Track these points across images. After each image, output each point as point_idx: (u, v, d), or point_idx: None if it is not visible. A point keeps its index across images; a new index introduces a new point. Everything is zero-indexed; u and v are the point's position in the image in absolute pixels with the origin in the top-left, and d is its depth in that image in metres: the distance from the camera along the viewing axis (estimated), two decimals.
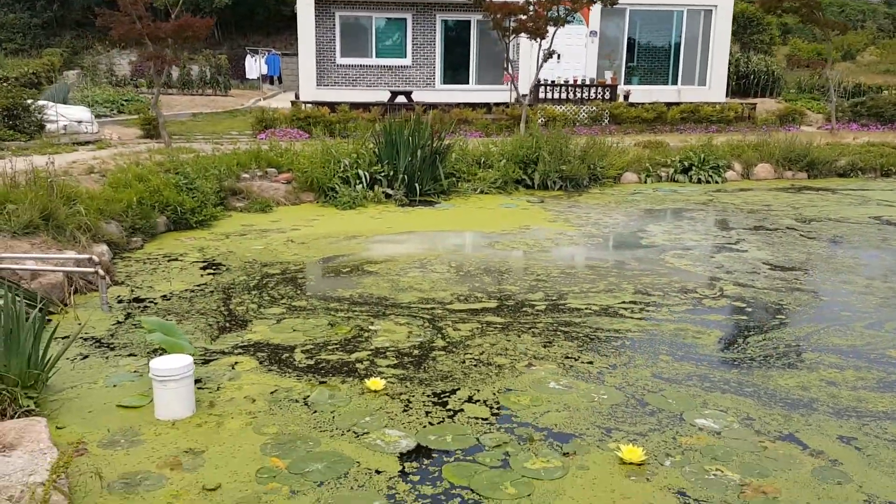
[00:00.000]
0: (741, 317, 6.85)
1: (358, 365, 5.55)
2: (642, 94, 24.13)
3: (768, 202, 13.07)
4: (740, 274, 8.24)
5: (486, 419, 4.70)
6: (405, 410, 4.81)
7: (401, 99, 22.26)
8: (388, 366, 5.55)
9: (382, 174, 13.09)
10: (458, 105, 21.00)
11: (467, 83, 25.87)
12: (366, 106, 20.27)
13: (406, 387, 5.17)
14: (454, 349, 5.86)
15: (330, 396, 5.00)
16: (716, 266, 8.60)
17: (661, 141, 17.27)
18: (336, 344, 6.00)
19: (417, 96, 22.96)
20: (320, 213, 11.75)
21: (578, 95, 22.64)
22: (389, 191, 12.94)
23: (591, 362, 5.66)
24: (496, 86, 25.30)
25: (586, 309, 6.91)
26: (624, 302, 7.15)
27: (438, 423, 4.63)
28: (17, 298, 4.91)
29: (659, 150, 16.56)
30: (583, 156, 14.54)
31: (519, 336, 6.19)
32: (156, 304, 7.06)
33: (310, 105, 20.49)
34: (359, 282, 7.83)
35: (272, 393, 5.08)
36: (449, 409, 4.82)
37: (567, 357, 5.75)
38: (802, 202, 13.09)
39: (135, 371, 5.43)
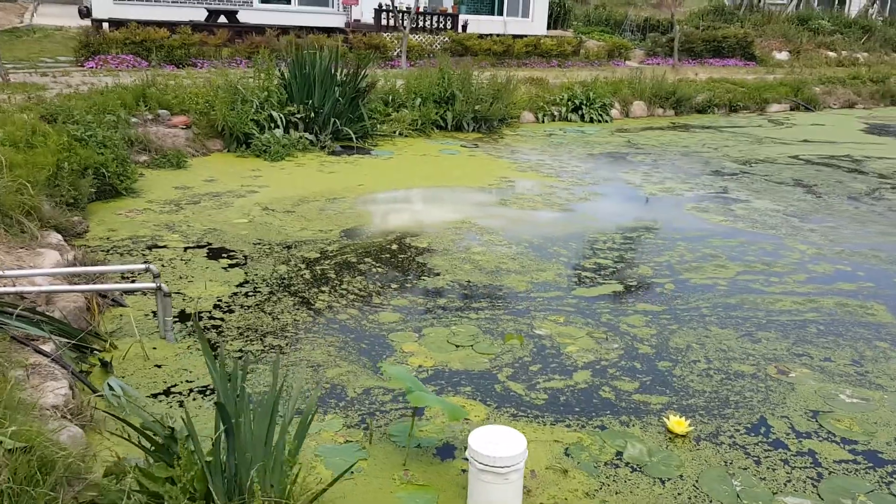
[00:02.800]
0: None
1: (616, 400, 4.39)
2: (473, 24, 23.46)
3: (677, 142, 13.18)
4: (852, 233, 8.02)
5: (847, 461, 3.87)
6: (754, 464, 3.82)
7: (222, 19, 19.30)
8: (645, 393, 4.45)
9: (298, 116, 11.12)
10: (282, 29, 18.60)
11: (289, 2, 23.21)
12: (174, 26, 16.89)
13: (712, 423, 4.14)
14: (678, 358, 4.88)
15: (646, 453, 3.83)
16: (792, 223, 8.29)
17: (542, 78, 16.79)
18: (537, 363, 4.72)
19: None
20: (253, 168, 9.67)
21: (422, 24, 21.32)
22: (308, 135, 11.04)
23: (856, 362, 4.98)
24: (325, 8, 23.04)
25: (767, 290, 6.22)
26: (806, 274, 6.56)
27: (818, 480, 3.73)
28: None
29: (543, 88, 16.08)
30: (495, 95, 13.58)
31: (721, 330, 5.34)
32: (219, 321, 5.13)
33: (108, 24, 16.89)
34: (432, 264, 6.40)
35: (566, 454, 3.78)
36: (808, 458, 3.92)
37: (806, 356, 5.04)
38: (707, 142, 13.38)
39: (347, 442, 3.79)
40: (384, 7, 20.73)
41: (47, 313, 4.41)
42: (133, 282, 5.56)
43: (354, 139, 11.50)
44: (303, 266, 6.24)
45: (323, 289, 5.78)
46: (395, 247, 6.87)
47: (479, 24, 23.99)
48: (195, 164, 9.60)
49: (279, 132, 10.69)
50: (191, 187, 8.55)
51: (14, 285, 4.40)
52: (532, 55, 21.65)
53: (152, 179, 8.58)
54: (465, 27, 22.69)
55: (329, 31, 20.15)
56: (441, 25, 21.66)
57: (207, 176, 9.11)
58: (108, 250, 6.37)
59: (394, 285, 5.91)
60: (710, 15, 31.95)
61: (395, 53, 19.02)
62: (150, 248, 6.51)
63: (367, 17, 22.25)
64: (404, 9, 21.17)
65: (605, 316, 5.47)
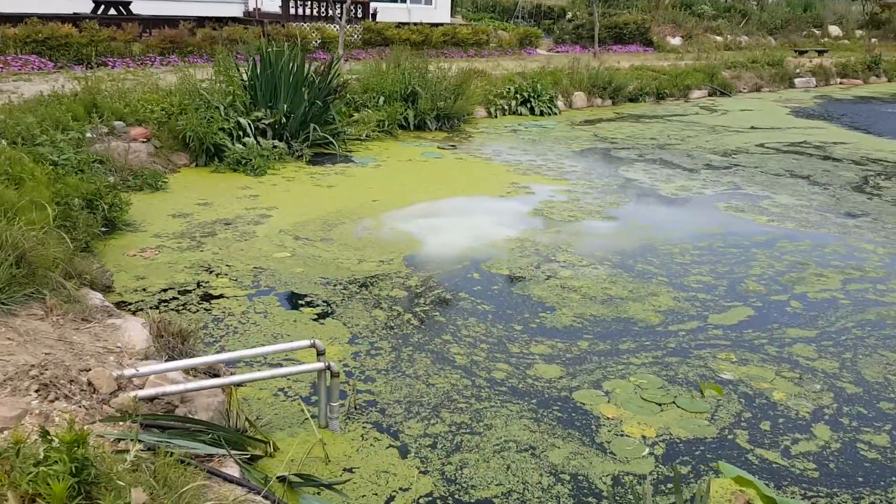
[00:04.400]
0: None
1: (885, 460, 3.88)
2: (381, 13, 22.52)
3: (642, 135, 13.00)
4: None
5: None
6: None
7: (113, 12, 17.32)
8: None
9: (266, 122, 9.94)
10: (181, 20, 16.91)
11: None
12: (59, 20, 14.83)
13: None
14: (891, 395, 4.47)
15: None
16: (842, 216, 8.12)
17: (483, 70, 16.16)
18: (761, 419, 4.15)
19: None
20: (241, 186, 8.47)
21: (332, 13, 20.10)
22: (278, 143, 9.89)
23: None
24: None
25: (889, 300, 5.90)
26: None
27: None
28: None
29: (489, 82, 15.49)
30: (456, 90, 12.84)
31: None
32: (368, 394, 4.19)
33: None
34: (535, 296, 5.68)
35: None
36: None
37: None
38: (668, 133, 13.28)
39: None
40: None
41: (195, 416, 3.35)
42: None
43: (336, 146, 10.41)
44: (400, 309, 5.33)
45: (445, 337, 4.93)
46: (476, 275, 6.07)
47: (386, 12, 23.11)
48: (173, 185, 8.27)
49: (251, 141, 9.47)
50: (189, 214, 7.30)
51: (146, 385, 3.30)
52: (449, 44, 20.98)
53: (139, 207, 7.24)
54: (374, 16, 21.69)
55: (225, 21, 18.54)
56: (353, 14, 20.54)
57: (197, 199, 7.85)
58: (159, 306, 5.17)
59: (516, 326, 5.14)
60: (598, 1, 32.37)
61: (315, 45, 17.77)
62: (205, 299, 5.36)
63: (270, 6, 20.77)
64: None
65: (769, 348, 4.98)
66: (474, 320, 5.22)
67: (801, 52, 26.19)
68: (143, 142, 8.90)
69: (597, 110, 16.02)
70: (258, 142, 9.64)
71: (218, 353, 4.31)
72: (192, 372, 3.80)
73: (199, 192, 8.06)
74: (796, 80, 22.26)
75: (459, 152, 10.91)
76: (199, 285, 5.59)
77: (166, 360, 3.88)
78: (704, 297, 5.77)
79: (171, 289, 5.50)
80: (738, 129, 13.94)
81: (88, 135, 8.27)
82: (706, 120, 15.03)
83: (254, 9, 21.05)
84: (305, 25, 17.95)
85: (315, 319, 5.12)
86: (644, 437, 3.88)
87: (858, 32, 33.95)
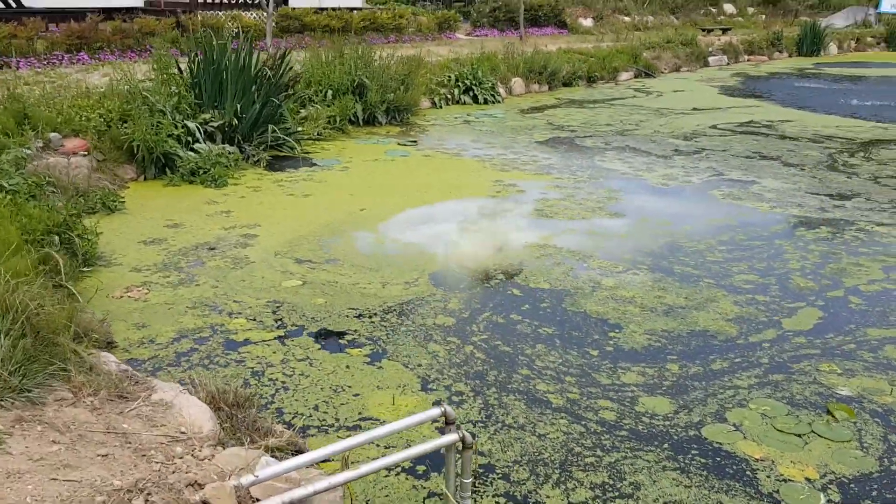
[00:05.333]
0: None
1: None
2: None
3: (595, 121, 12.71)
4: None
5: None
6: None
7: None
8: None
9: (214, 124, 8.97)
10: (86, 13, 15.38)
11: None
12: None
13: None
14: None
15: None
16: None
17: (416, 56, 15.42)
18: None
19: None
20: (207, 201, 7.55)
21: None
22: (229, 147, 8.94)
23: None
24: None
25: None
26: None
27: None
28: None
29: (425, 69, 14.80)
30: (404, 80, 12.12)
31: None
32: (489, 458, 3.54)
33: None
34: (590, 311, 5.16)
35: None
36: None
37: None
38: (619, 118, 13.04)
39: None
40: None
41: None
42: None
43: (293, 147, 9.52)
44: (456, 340, 4.69)
45: (522, 371, 4.34)
46: (517, 292, 5.49)
47: None
48: (130, 204, 7.24)
49: (205, 148, 8.49)
50: (162, 239, 6.35)
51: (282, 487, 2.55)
52: (369, 30, 20.10)
53: (102, 235, 6.20)
54: (286, 1, 20.51)
55: (126, 11, 17.01)
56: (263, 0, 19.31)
57: (163, 219, 6.88)
58: (180, 363, 4.31)
59: (591, 351, 4.61)
60: None
61: (232, 35, 16.52)
62: (229, 347, 4.54)
63: None
64: None
65: (864, 354, 4.66)
66: (543, 347, 4.64)
67: (708, 31, 26.78)
68: (83, 155, 7.79)
69: (537, 96, 15.65)
70: (209, 147, 8.64)
71: (219, 416, 3.54)
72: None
73: (163, 212, 7.08)
74: (710, 59, 22.68)
75: (423, 149, 10.24)
76: (214, 330, 4.75)
77: (249, 446, 3.11)
78: (764, 300, 5.40)
79: (182, 337, 4.63)
80: (682, 111, 13.86)
81: (27, 150, 7.12)
82: (646, 102, 14.92)
83: None
84: (220, 14, 16.68)
85: (369, 363, 4.40)
86: (808, 479, 3.43)
87: (751, 10, 35.19)
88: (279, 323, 4.88)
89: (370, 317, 5.01)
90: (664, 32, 24.61)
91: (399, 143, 10.52)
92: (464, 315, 5.08)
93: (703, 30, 27.09)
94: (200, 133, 8.65)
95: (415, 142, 10.64)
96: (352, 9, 20.45)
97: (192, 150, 8.39)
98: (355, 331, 4.80)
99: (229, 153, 8.62)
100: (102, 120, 8.13)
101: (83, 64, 12.74)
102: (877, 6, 33.34)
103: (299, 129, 10.07)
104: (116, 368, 3.83)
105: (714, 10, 34.04)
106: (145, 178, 8.14)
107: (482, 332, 4.84)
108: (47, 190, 6.27)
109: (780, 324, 5.03)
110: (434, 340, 4.70)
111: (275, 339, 4.67)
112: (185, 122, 8.59)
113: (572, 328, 4.92)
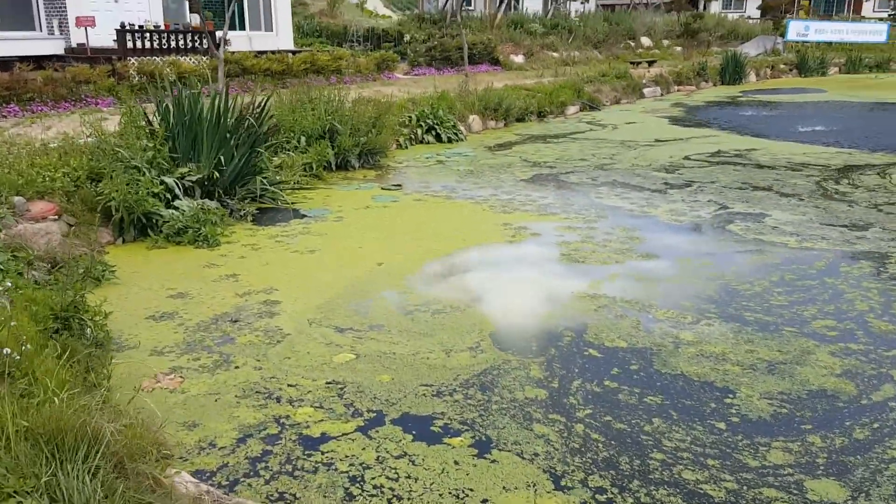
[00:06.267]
0: None
1: None
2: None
3: (569, 157, 12.42)
4: None
5: None
6: None
7: None
8: None
9: (192, 178, 8.16)
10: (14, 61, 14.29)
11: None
12: None
13: None
14: None
15: None
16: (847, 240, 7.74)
17: (370, 97, 14.86)
18: None
19: None
20: (205, 264, 6.75)
21: (174, 44, 17.92)
22: (209, 202, 8.14)
23: None
24: (33, 32, 18.31)
25: None
26: None
27: None
28: None
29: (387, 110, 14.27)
30: (374, 122, 11.55)
31: None
32: None
33: None
34: (690, 374, 4.69)
35: None
36: None
37: None
38: (589, 151, 12.81)
39: None
40: (128, 27, 16.88)
41: None
42: None
43: (279, 198, 8.78)
44: (561, 419, 4.11)
45: (656, 456, 3.79)
46: (595, 353, 4.96)
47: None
48: (119, 273, 6.35)
49: (189, 205, 7.67)
50: (172, 313, 5.54)
51: None
52: (310, 72, 19.45)
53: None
54: (218, 45, 19.63)
55: (41, 60, 15.88)
56: (197, 44, 18.45)
57: (163, 289, 6.05)
58: (258, 472, 3.56)
59: (718, 424, 4.11)
60: (416, 22, 31.76)
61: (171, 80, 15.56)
62: (309, 446, 3.80)
63: (100, 40, 18.11)
64: (152, 27, 17.62)
65: None
66: (661, 422, 4.11)
67: (636, 64, 27.31)
68: (53, 220, 6.86)
69: (496, 132, 15.35)
70: (190, 204, 7.82)
71: None
72: None
73: (160, 280, 6.24)
74: (645, 91, 23.05)
75: (411, 192, 9.67)
76: (280, 424, 4.00)
77: None
78: (859, 349, 5.06)
79: (247, 437, 3.87)
80: (646, 143, 13.78)
81: None
82: (606, 135, 14.82)
83: (77, 44, 18.24)
84: (157, 60, 15.70)
85: (478, 455, 3.77)
86: None
87: (665, 42, 36.33)
88: (352, 410, 4.17)
89: (450, 394, 4.36)
90: (599, 66, 24.95)
91: (383, 188, 9.91)
92: (553, 385, 4.50)
93: (631, 63, 27.61)
94: (179, 189, 7.81)
95: (399, 185, 10.05)
96: (291, 51, 19.79)
97: (173, 207, 7.55)
98: (442, 413, 4.15)
99: (213, 209, 7.80)
100: (69, 179, 7.22)
101: (16, 117, 11.61)
102: (783, 35, 34.93)
103: (281, 179, 9.32)
104: (196, 490, 3.08)
105: (633, 44, 34.95)
106: (124, 241, 7.24)
107: (583, 405, 4.27)
108: (39, 265, 5.35)
109: (891, 377, 4.66)
110: (536, 420, 4.10)
111: (355, 430, 3.97)
112: (163, 177, 7.74)
113: (680, 395, 4.41)
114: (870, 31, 35.97)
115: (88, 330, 4.46)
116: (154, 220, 7.32)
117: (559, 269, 6.61)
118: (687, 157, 12.27)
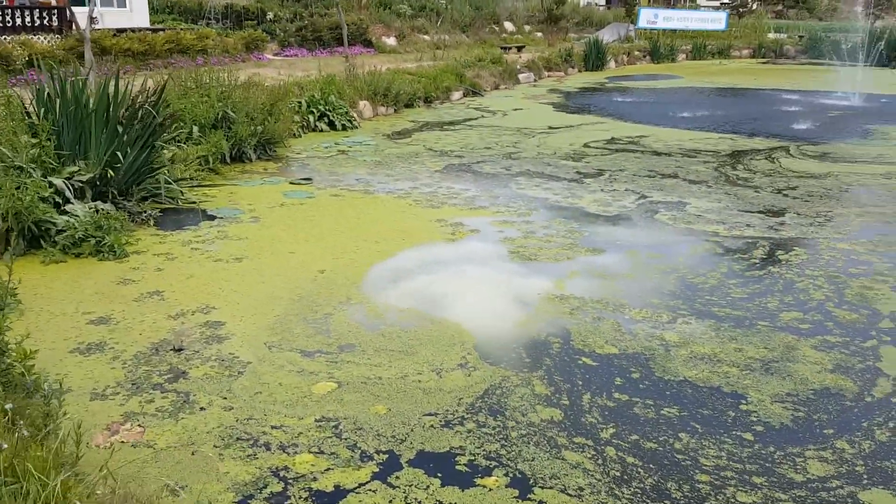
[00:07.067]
0: None
1: None
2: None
3: (472, 145, 12.15)
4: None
5: None
6: None
7: None
8: None
9: (82, 178, 7.19)
10: None
11: None
12: None
13: None
14: None
15: None
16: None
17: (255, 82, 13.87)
18: None
19: None
20: (117, 280, 5.90)
21: (20, 21, 16.02)
22: (103, 205, 7.20)
23: None
24: None
25: None
26: None
27: None
28: None
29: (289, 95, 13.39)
30: (270, 110, 10.76)
31: None
32: None
33: None
34: (688, 380, 4.52)
35: None
36: None
37: None
38: (490, 140, 12.60)
39: None
40: None
41: None
42: None
43: (180, 197, 7.88)
44: (585, 441, 3.80)
45: (701, 479, 3.58)
46: (590, 361, 4.70)
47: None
48: (22, 297, 5.38)
49: (78, 209, 6.70)
50: (101, 344, 4.73)
51: None
52: (174, 52, 18.04)
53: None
54: (71, 24, 17.80)
55: None
56: (47, 22, 16.62)
57: (79, 314, 5.18)
58: None
59: (745, 436, 3.95)
60: (289, 1, 30.57)
61: (21, 64, 13.88)
62: (323, 502, 3.26)
63: None
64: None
65: None
66: (689, 438, 3.90)
67: (507, 49, 27.47)
68: None
69: (388, 119, 14.84)
70: (84, 209, 6.84)
71: None
72: None
73: (72, 303, 5.35)
74: (520, 76, 23.21)
75: (324, 187, 9.04)
76: (283, 480, 3.43)
77: None
78: (836, 341, 5.09)
79: (249, 498, 3.27)
80: (542, 130, 13.76)
81: None
82: (500, 122, 14.69)
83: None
84: (5, 38, 13.91)
85: (522, 496, 3.37)
86: None
87: (528, 27, 36.94)
88: (358, 452, 3.65)
89: (460, 423, 3.94)
90: (472, 51, 24.83)
91: (292, 183, 9.19)
92: (563, 402, 4.18)
93: (502, 48, 27.77)
94: (70, 191, 6.80)
95: (309, 179, 9.37)
96: (151, 30, 18.22)
97: (65, 213, 6.55)
98: (461, 448, 3.72)
99: (113, 214, 6.85)
100: None
101: None
102: (635, 22, 36.40)
103: (183, 175, 8.39)
104: None
105: (497, 28, 35.24)
106: (12, 257, 6.17)
107: (603, 424, 3.98)
108: None
109: (879, 370, 4.69)
110: (564, 447, 3.76)
111: (372, 478, 3.46)
112: (50, 178, 6.71)
113: (694, 405, 4.22)
114: (711, 20, 38.14)
115: (12, 375, 3.63)
116: (45, 230, 6.31)
117: (515, 269, 6.29)
118: (586, 145, 12.31)
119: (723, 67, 29.63)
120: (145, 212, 7.32)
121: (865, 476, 3.58)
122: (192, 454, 3.57)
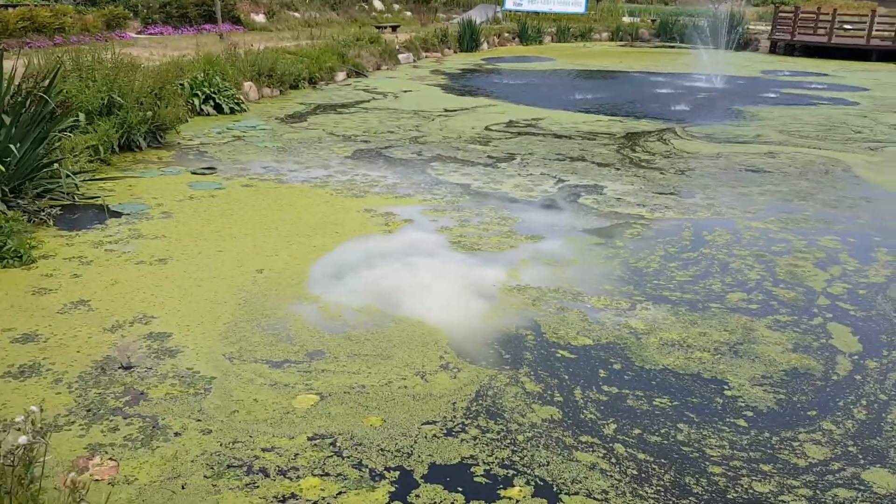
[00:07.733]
0: None
1: None
2: None
3: (378, 129, 11.83)
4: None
5: None
6: None
7: None
8: None
9: None
10: None
11: None
12: None
13: None
14: None
15: None
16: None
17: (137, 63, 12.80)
18: None
19: None
20: (30, 290, 5.27)
21: None
22: None
23: None
24: None
25: None
26: None
27: None
28: None
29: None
30: (160, 93, 10.00)
31: None
32: None
33: None
34: (669, 368, 4.55)
35: None
36: None
37: None
38: (390, 123, 12.31)
39: None
40: None
41: None
42: None
43: (77, 192, 7.14)
44: (592, 440, 3.73)
45: (713, 470, 3.59)
46: (569, 354, 4.64)
47: None
48: None
49: None
50: (37, 366, 4.18)
51: None
52: (29, 31, 16.44)
53: None
54: None
55: None
56: None
57: (2, 334, 4.55)
58: None
59: (738, 422, 4.02)
60: None
61: None
62: None
63: None
64: None
65: None
66: (688, 429, 3.92)
67: (381, 28, 27.04)
68: None
69: (276, 102, 14.22)
70: None
71: None
72: None
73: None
74: (400, 56, 22.93)
75: (231, 177, 8.50)
76: None
77: None
78: (788, 320, 5.29)
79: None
80: (439, 113, 13.62)
81: None
82: (394, 105, 14.41)
83: None
84: None
85: None
86: None
87: (396, 6, 36.57)
88: (367, 471, 3.40)
89: (463, 430, 3.76)
90: (348, 30, 24.25)
91: (194, 173, 8.57)
92: (558, 399, 4.09)
93: (377, 27, 27.31)
94: None
95: (212, 169, 8.77)
96: (6, 5, 16.48)
97: None
98: (473, 457, 3.55)
99: (10, 215, 6.09)
100: None
101: None
102: (501, 4, 36.89)
103: (73, 168, 7.57)
104: None
105: (367, 7, 34.66)
106: None
107: (604, 421, 3.93)
108: None
109: (835, 347, 4.91)
110: (572, 447, 3.67)
111: (390, 498, 3.23)
112: None
113: (682, 394, 4.25)
114: (572, 3, 39.17)
115: None
116: None
117: (463, 259, 6.14)
118: (488, 129, 12.28)
119: (588, 50, 30.56)
120: (43, 210, 6.54)
121: (860, 456, 3.71)
122: (183, 488, 3.19)
